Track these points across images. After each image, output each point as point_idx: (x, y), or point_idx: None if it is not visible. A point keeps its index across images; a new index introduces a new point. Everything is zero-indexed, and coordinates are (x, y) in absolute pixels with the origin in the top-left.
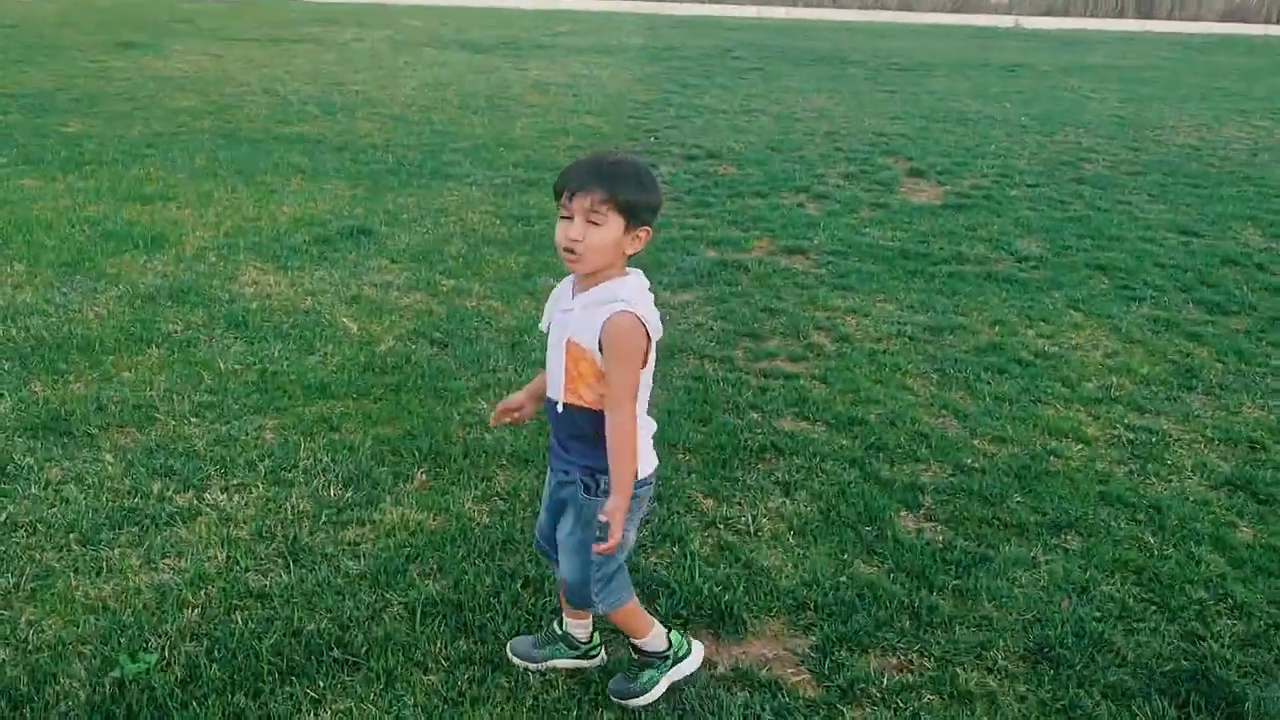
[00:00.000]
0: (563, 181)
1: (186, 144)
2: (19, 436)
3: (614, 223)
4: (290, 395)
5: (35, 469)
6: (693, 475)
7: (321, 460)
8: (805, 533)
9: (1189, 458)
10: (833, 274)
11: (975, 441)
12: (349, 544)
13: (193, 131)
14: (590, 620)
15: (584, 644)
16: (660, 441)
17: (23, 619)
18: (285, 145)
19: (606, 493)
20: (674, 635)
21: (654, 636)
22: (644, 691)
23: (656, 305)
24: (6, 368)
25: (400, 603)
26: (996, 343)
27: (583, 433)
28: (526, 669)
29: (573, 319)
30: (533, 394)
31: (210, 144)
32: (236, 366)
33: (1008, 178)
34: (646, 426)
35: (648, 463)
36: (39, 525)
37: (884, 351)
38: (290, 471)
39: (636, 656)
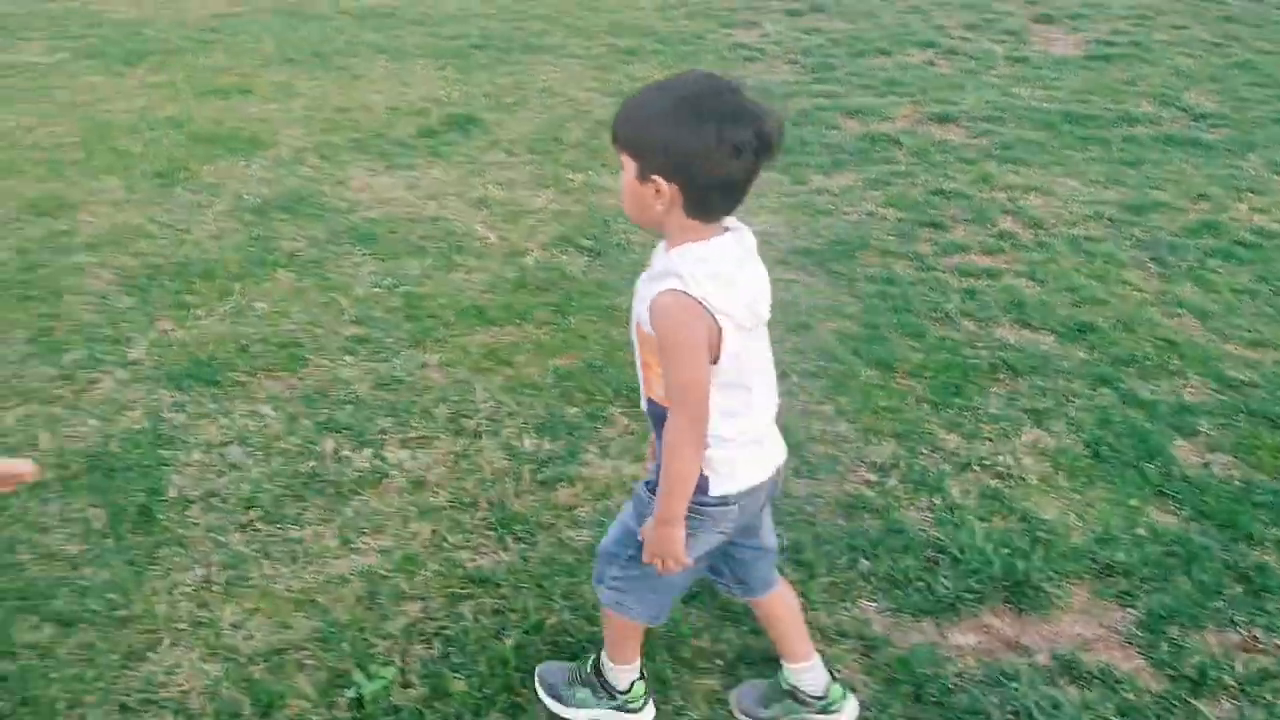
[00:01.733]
0: None
1: (250, 25)
2: (161, 387)
3: (628, 168)
4: (445, 323)
5: (189, 427)
6: (924, 405)
7: (504, 403)
8: (1076, 473)
9: None
10: (996, 145)
11: (1229, 346)
12: (564, 509)
13: (254, 9)
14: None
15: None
16: (873, 362)
17: (224, 620)
18: (356, 21)
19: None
20: (639, 686)
21: (622, 670)
22: (568, 704)
23: (815, 192)
24: (128, 303)
25: None
26: (1208, 221)
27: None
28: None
29: (638, 295)
30: None
31: (275, 24)
32: (376, 290)
33: (1149, 20)
34: (746, 437)
35: (735, 478)
36: (213, 499)
37: (1086, 238)
38: (471, 418)
39: (592, 673)
